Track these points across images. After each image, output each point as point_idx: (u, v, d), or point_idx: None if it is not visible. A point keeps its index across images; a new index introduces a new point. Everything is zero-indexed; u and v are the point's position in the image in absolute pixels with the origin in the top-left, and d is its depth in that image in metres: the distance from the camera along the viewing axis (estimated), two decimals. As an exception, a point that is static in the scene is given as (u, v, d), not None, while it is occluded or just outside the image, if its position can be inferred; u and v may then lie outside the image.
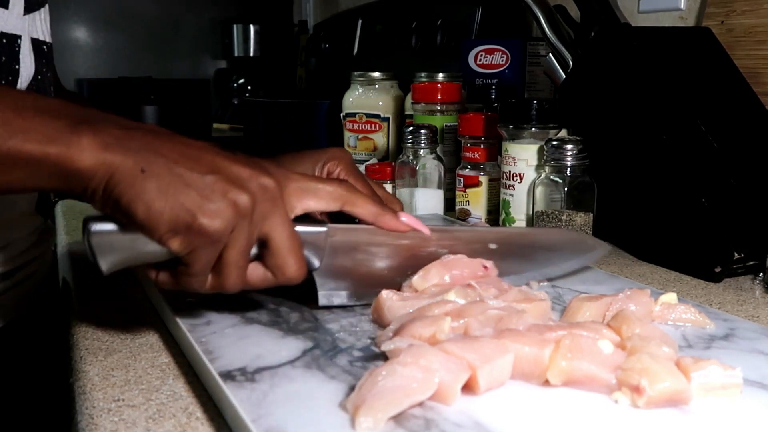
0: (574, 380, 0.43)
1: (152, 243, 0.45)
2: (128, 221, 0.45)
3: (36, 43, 0.70)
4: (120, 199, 0.44)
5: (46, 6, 0.73)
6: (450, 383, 0.41)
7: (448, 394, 0.41)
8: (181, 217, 0.44)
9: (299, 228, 0.52)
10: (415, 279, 0.56)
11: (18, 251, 0.74)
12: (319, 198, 0.53)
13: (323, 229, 0.54)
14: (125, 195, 0.44)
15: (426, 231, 0.59)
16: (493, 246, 0.62)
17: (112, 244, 0.47)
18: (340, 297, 0.56)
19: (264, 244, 0.49)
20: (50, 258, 0.86)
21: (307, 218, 0.54)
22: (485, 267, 0.59)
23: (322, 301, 0.56)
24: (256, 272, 0.50)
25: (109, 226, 0.46)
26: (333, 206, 0.54)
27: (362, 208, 0.56)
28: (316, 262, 0.55)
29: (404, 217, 0.58)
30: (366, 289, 0.57)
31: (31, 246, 0.77)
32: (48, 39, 0.73)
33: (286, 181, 0.51)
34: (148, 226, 0.44)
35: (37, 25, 0.71)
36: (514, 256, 0.63)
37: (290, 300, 0.59)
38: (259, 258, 0.50)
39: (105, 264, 0.48)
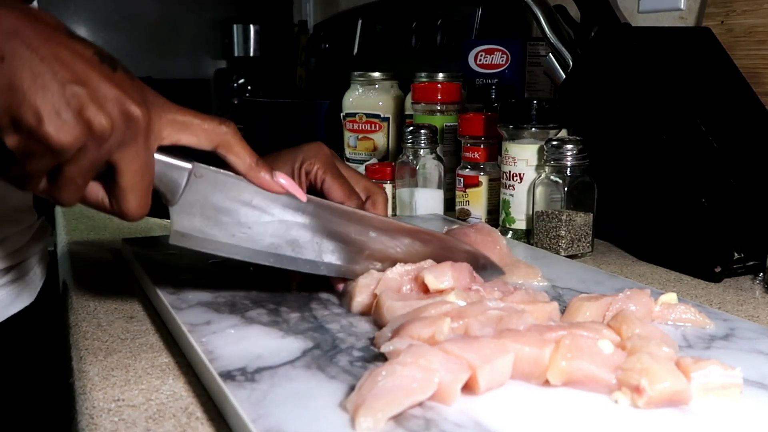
0: (574, 380, 0.43)
1: None
2: None
3: None
4: None
5: (35, 3, 0.73)
6: (450, 383, 0.41)
7: (448, 394, 0.41)
8: (26, 117, 0.41)
9: (160, 157, 0.49)
10: (428, 279, 0.55)
11: (13, 248, 0.74)
12: (192, 133, 0.49)
13: (188, 165, 0.51)
14: None
15: (302, 196, 0.54)
16: (372, 234, 0.58)
17: None
18: (194, 241, 0.53)
19: (111, 171, 0.46)
20: (47, 256, 0.86)
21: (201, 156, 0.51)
22: (475, 277, 0.58)
23: (174, 239, 0.52)
24: (95, 194, 0.47)
25: None
26: (206, 145, 0.50)
27: (236, 156, 0.51)
28: (173, 197, 0.51)
29: (281, 179, 0.53)
30: (229, 243, 0.54)
31: (26, 243, 0.77)
32: None
33: (162, 111, 0.48)
34: None
35: None
36: (389, 250, 0.59)
37: (290, 300, 0.59)
38: (105, 179, 0.47)
39: None
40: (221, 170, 0.52)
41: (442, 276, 0.55)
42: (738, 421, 0.40)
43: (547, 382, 0.44)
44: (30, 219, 0.78)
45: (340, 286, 0.60)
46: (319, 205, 0.56)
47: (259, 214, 0.54)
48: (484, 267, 0.62)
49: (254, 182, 0.53)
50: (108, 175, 0.46)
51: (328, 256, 0.57)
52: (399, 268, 0.57)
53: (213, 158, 0.52)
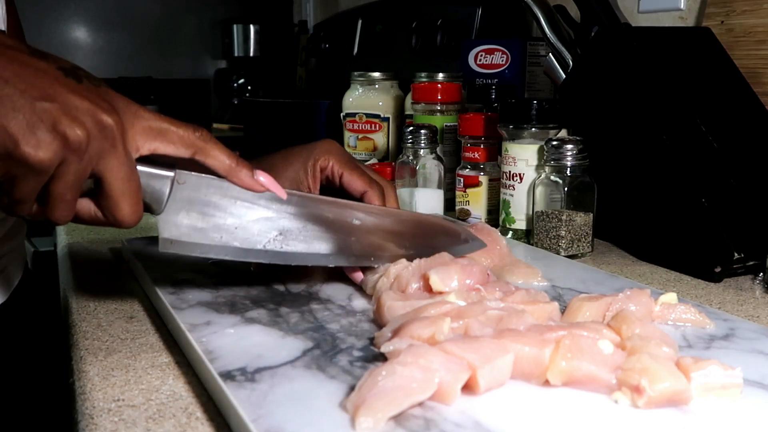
0: (574, 380, 0.43)
1: None
2: None
3: None
4: None
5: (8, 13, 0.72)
6: (450, 383, 0.41)
7: (448, 394, 0.41)
8: (2, 142, 0.41)
9: (142, 168, 0.49)
10: (433, 279, 0.55)
11: None
12: (168, 141, 0.49)
13: (170, 173, 0.52)
14: None
15: (282, 194, 0.55)
16: (356, 222, 0.60)
17: None
18: (183, 246, 0.54)
19: (98, 182, 0.46)
20: (24, 255, 0.85)
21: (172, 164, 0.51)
22: (488, 274, 0.59)
23: (163, 246, 0.53)
24: (87, 209, 0.48)
25: None
26: (183, 152, 0.50)
27: (215, 159, 0.52)
28: (159, 206, 0.52)
29: (261, 177, 0.54)
30: (218, 244, 0.54)
31: (2, 239, 0.76)
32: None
33: (134, 119, 0.48)
34: None
35: None
36: (376, 235, 0.60)
37: (290, 300, 0.59)
38: (93, 194, 0.47)
39: None
40: (203, 174, 0.53)
41: (448, 278, 0.55)
42: (738, 421, 0.40)
43: (547, 382, 0.44)
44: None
45: (359, 277, 0.61)
46: (302, 197, 0.58)
47: (245, 213, 0.55)
48: (465, 241, 0.64)
49: (235, 183, 0.53)
50: (96, 189, 0.47)
51: (317, 245, 0.58)
52: (410, 264, 0.58)
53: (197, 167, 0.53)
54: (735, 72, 0.86)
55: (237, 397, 0.41)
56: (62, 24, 3.16)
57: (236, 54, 3.16)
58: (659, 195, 0.77)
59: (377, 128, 1.18)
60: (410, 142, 0.95)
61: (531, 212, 0.84)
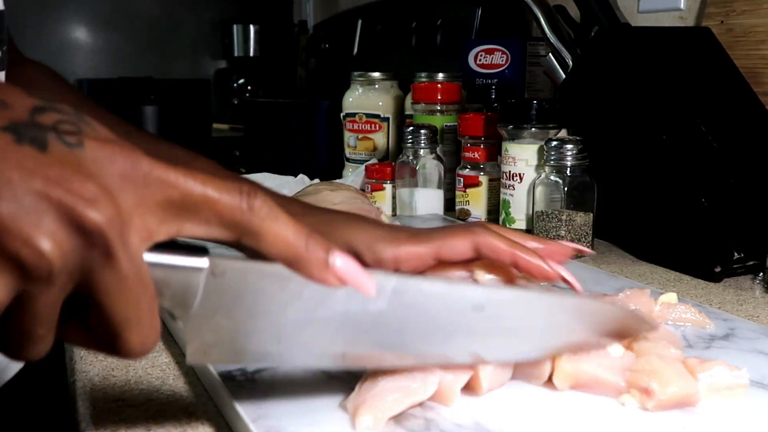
0: (581, 384, 0.43)
1: None
2: None
3: None
4: None
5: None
6: (450, 383, 0.40)
7: (448, 394, 0.41)
8: None
9: (155, 258, 0.32)
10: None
11: None
12: (199, 221, 0.32)
13: (202, 263, 0.33)
14: None
15: (369, 290, 0.35)
16: (476, 310, 0.40)
17: None
18: (220, 354, 0.37)
19: (88, 303, 0.31)
20: None
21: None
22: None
23: (193, 358, 0.36)
24: (77, 337, 0.34)
25: None
26: (223, 235, 0.32)
27: (274, 244, 0.33)
28: (186, 310, 0.34)
29: (338, 260, 0.35)
30: (274, 352, 0.37)
31: None
32: None
33: (143, 190, 0.30)
34: None
35: None
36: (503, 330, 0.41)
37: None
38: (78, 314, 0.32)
39: None
40: (250, 261, 0.35)
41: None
42: (742, 421, 0.40)
43: (548, 382, 0.44)
44: None
45: None
46: (400, 282, 0.38)
47: (312, 310, 0.37)
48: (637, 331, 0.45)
49: (303, 275, 0.35)
50: (85, 311, 0.32)
51: (416, 345, 0.40)
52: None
53: None
54: (735, 72, 0.86)
55: (237, 397, 0.41)
56: (62, 24, 3.16)
57: (236, 54, 3.16)
58: (659, 195, 0.77)
59: (377, 128, 1.18)
60: (410, 142, 0.95)
61: (531, 212, 0.84)
